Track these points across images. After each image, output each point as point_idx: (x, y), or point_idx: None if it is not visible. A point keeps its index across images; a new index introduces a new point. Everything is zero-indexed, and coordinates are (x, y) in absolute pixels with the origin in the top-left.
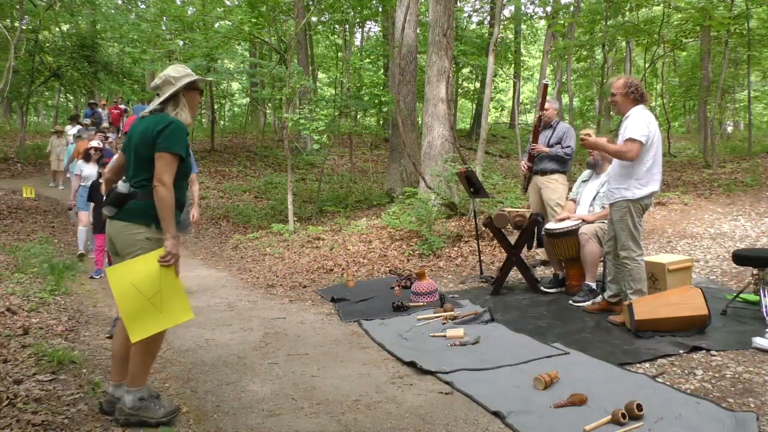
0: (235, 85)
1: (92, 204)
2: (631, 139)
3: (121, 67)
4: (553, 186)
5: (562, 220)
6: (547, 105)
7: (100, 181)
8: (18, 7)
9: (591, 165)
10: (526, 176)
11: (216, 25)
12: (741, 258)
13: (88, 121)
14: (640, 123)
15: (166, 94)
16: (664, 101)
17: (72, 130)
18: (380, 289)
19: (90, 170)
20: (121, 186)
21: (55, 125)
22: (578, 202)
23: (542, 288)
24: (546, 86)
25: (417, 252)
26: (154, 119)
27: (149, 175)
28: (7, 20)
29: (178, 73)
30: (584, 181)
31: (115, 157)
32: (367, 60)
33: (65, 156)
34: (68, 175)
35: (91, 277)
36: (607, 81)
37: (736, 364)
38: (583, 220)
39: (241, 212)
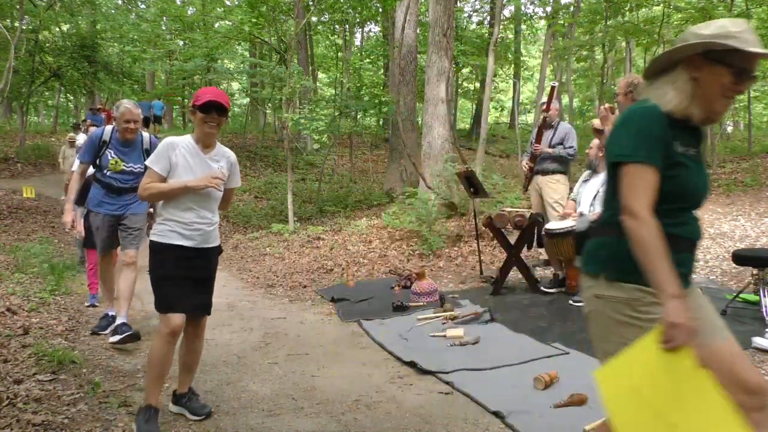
0: (235, 85)
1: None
2: None
3: (121, 67)
4: (554, 186)
5: (564, 218)
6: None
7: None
8: (18, 7)
9: (590, 165)
10: (527, 176)
11: (216, 25)
12: (741, 258)
13: (89, 121)
14: None
15: (660, 61)
16: None
17: (80, 139)
18: (380, 289)
19: None
20: (580, 221)
21: (68, 134)
22: (578, 202)
23: (542, 288)
24: (553, 88)
25: (417, 252)
26: None
27: (613, 201)
28: (7, 20)
29: (711, 29)
30: (585, 181)
31: None
32: (367, 60)
33: None
34: None
35: (90, 306)
36: (607, 81)
37: None
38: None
39: (241, 212)
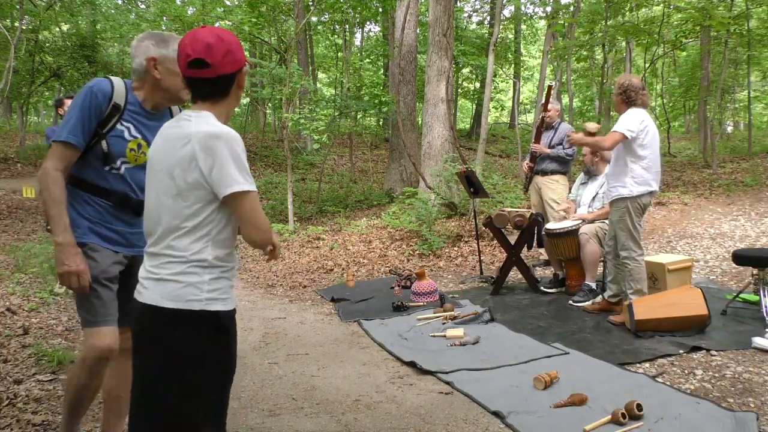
0: None
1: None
2: (614, 131)
3: (121, 67)
4: (553, 186)
5: (564, 217)
6: (549, 106)
7: None
8: (18, 7)
9: (587, 171)
10: (528, 176)
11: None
12: (741, 258)
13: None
14: (631, 119)
15: None
16: (664, 101)
17: None
18: (380, 289)
19: None
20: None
21: None
22: (578, 204)
23: (542, 288)
24: (550, 88)
25: (417, 252)
26: None
27: None
28: (7, 20)
29: None
30: (582, 184)
31: None
32: (367, 60)
33: None
34: None
35: None
36: (607, 81)
37: (736, 364)
38: (583, 220)
39: None
